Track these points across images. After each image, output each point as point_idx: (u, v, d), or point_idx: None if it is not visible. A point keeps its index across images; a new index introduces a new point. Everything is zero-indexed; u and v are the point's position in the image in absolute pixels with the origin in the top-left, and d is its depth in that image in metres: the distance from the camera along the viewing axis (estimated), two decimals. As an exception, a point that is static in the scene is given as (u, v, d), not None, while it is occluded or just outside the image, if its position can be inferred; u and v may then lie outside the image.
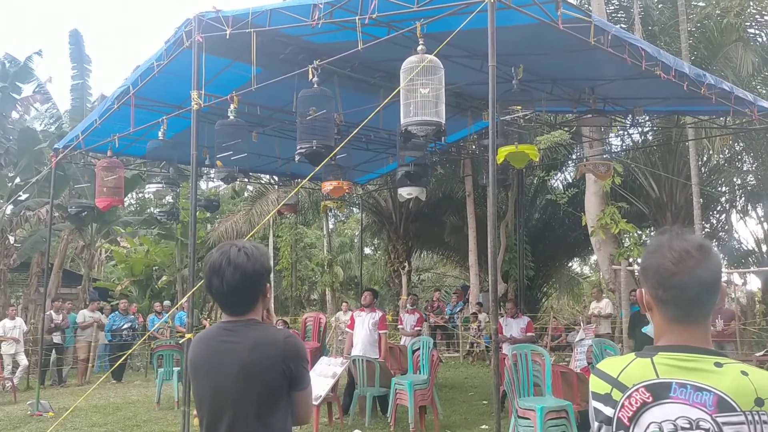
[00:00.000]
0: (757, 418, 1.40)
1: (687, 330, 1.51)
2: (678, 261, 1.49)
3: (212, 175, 10.69)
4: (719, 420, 1.39)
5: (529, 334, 9.55)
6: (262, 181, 17.60)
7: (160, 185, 10.14)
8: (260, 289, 2.19)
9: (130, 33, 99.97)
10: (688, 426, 1.40)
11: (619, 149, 15.95)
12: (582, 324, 12.72)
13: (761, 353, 11.20)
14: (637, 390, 1.47)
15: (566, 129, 13.35)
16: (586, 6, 14.36)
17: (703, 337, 1.51)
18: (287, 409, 2.17)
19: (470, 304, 16.28)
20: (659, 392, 1.44)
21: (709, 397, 1.40)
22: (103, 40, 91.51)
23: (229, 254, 2.14)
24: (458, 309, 16.98)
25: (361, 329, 8.31)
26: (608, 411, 1.51)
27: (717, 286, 1.51)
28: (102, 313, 14.29)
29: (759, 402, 1.39)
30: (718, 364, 1.44)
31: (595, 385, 1.56)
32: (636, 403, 1.46)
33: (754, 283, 21.92)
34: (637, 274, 14.08)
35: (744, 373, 1.43)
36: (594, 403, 1.56)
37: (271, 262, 3.43)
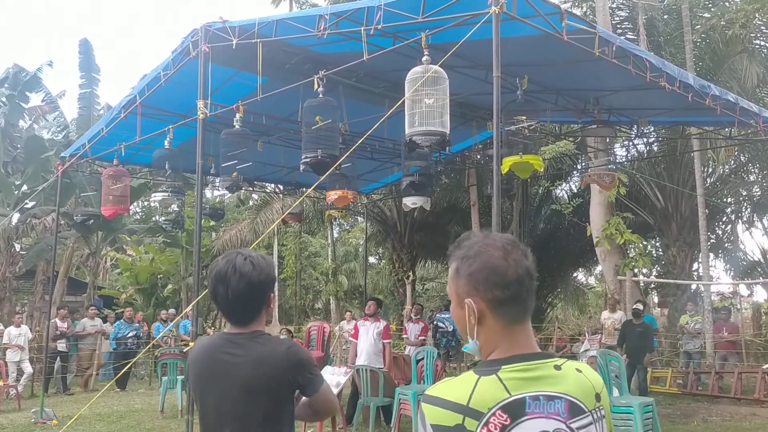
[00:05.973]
0: (598, 414, 1.38)
1: (522, 330, 1.41)
2: (506, 255, 1.39)
3: (217, 184, 10.70)
4: (573, 426, 1.34)
5: None
6: (267, 190, 17.67)
7: (166, 194, 10.16)
8: (264, 298, 2.19)
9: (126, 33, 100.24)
10: None
11: (624, 160, 15.93)
12: (587, 334, 12.66)
13: None
14: (494, 414, 1.30)
15: (571, 139, 13.35)
16: (591, 17, 14.39)
17: (531, 338, 1.42)
18: (292, 416, 2.19)
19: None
20: (515, 411, 1.31)
21: (561, 405, 1.34)
22: (98, 41, 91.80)
23: (235, 263, 2.14)
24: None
25: (366, 339, 8.29)
26: None
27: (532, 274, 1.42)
28: (107, 322, 14.31)
29: (597, 397, 1.39)
30: (557, 367, 1.38)
31: (436, 416, 1.31)
32: (495, 429, 1.29)
33: (761, 295, 21.85)
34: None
35: (578, 370, 1.41)
36: None
37: (276, 272, 3.44)
